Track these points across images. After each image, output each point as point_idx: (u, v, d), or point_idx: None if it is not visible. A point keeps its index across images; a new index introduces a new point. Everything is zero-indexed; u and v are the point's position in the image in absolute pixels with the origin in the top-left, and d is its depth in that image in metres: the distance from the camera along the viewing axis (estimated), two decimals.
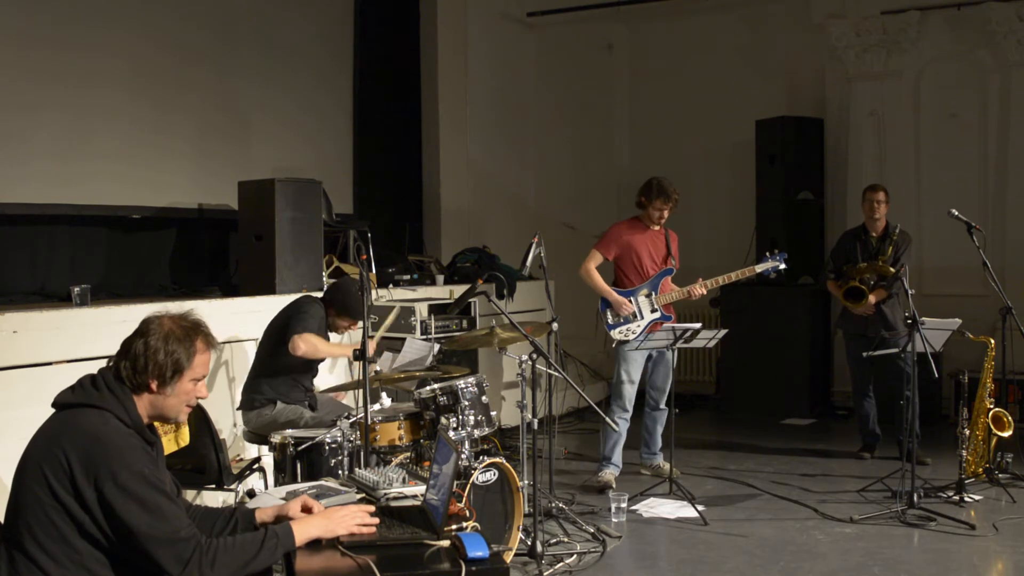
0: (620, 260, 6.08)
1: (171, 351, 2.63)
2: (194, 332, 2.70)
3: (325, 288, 5.18)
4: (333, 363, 6.33)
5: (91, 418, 2.54)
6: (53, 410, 2.64)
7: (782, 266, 6.14)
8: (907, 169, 8.56)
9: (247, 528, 2.84)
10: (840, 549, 4.82)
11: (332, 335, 5.31)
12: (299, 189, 6.36)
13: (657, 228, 6.12)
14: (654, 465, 6.29)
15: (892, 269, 6.44)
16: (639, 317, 6.00)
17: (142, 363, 2.61)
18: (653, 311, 6.02)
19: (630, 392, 6.03)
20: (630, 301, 5.99)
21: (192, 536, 2.50)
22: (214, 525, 2.83)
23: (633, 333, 5.97)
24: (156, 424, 2.78)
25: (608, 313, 6.01)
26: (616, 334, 5.99)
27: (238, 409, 5.16)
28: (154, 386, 2.63)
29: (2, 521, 2.62)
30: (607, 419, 5.26)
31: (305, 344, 4.82)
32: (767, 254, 6.19)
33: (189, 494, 4.54)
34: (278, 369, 4.98)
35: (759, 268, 6.13)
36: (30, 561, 2.46)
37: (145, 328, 2.67)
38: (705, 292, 6.02)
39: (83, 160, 6.16)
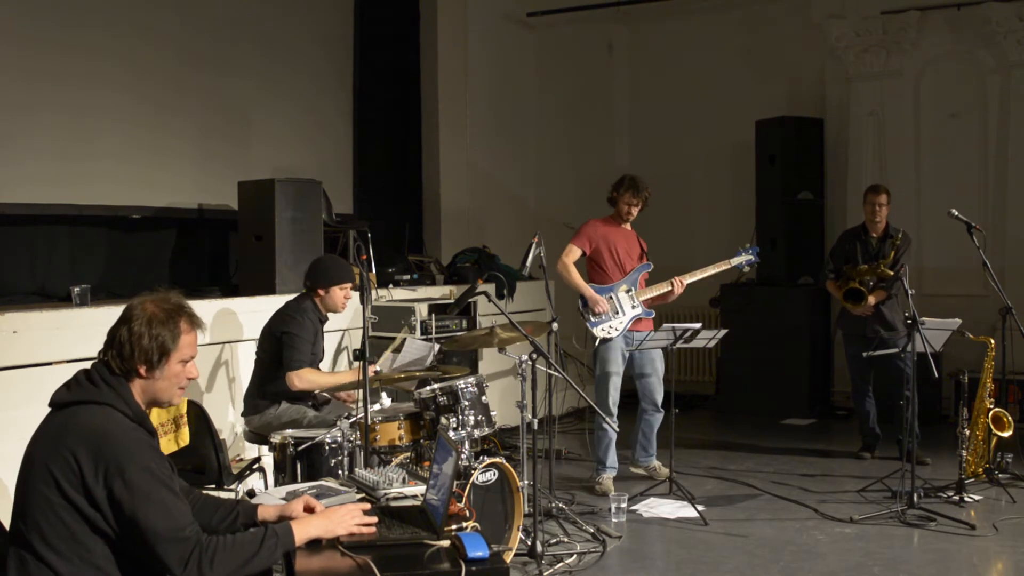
0: (596, 255, 6.02)
1: (155, 335, 2.62)
2: (177, 313, 2.68)
3: (304, 281, 5.14)
4: (334, 363, 6.34)
5: (94, 415, 2.53)
6: (49, 409, 2.63)
7: (755, 259, 6.18)
8: (907, 169, 8.56)
9: (248, 523, 2.84)
10: (840, 549, 4.82)
11: (335, 315, 5.29)
12: (299, 189, 6.36)
13: (628, 228, 6.11)
14: (650, 467, 6.27)
15: (891, 272, 6.44)
16: (621, 313, 5.95)
17: (128, 349, 2.60)
18: (634, 307, 5.98)
19: (614, 392, 5.97)
20: (609, 298, 5.94)
21: (194, 534, 2.50)
22: (214, 515, 2.83)
23: (615, 330, 5.92)
24: (155, 423, 2.78)
25: (588, 310, 5.96)
26: (599, 331, 5.92)
27: (242, 415, 5.14)
28: (143, 371, 2.62)
29: (7, 522, 2.61)
30: (607, 421, 5.25)
31: (301, 382, 4.84)
32: (740, 248, 6.19)
33: None
34: (279, 374, 4.96)
35: (734, 261, 6.14)
36: (40, 561, 2.46)
37: (128, 314, 2.65)
38: (683, 288, 6.00)
39: (83, 160, 6.17)
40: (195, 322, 2.73)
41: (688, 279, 6.03)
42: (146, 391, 2.66)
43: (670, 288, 5.98)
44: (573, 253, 6.02)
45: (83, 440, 2.48)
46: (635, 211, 6.04)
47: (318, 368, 5.12)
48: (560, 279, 6.06)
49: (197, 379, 2.82)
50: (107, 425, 2.52)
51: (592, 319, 5.93)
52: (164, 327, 2.64)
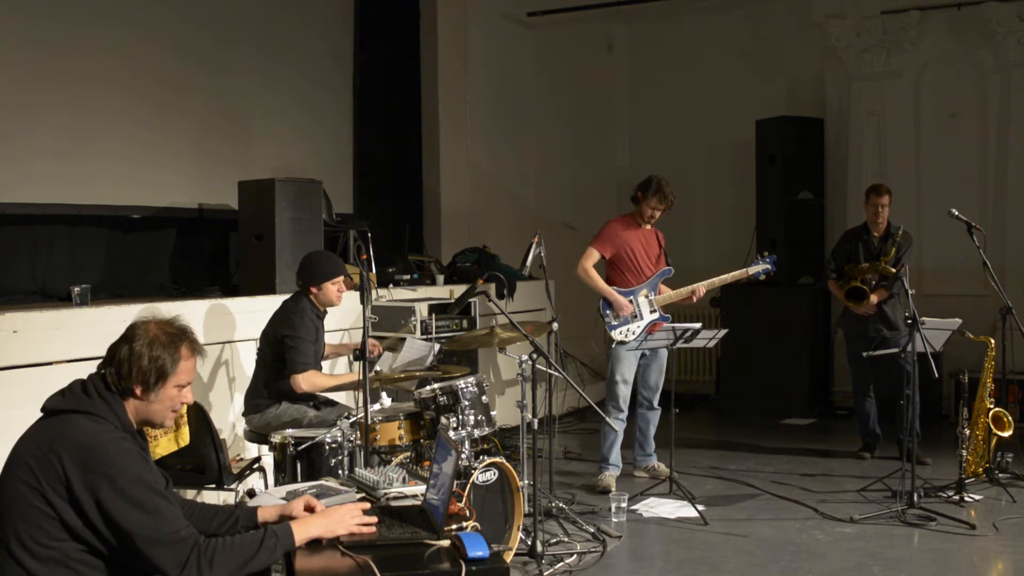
0: (616, 259, 6.04)
1: (155, 357, 2.61)
2: (179, 338, 2.67)
3: (296, 280, 5.15)
4: (334, 362, 6.33)
5: (84, 425, 2.53)
6: (40, 414, 2.62)
7: (773, 268, 6.22)
8: (907, 169, 8.56)
9: (248, 526, 2.84)
10: (840, 549, 4.82)
11: (335, 312, 5.29)
12: (299, 189, 6.36)
13: (648, 227, 6.13)
14: (649, 467, 6.28)
15: (893, 270, 6.44)
16: (639, 317, 5.98)
17: (126, 369, 2.60)
18: (652, 311, 6.02)
19: (625, 392, 6.01)
20: (630, 301, 5.98)
21: (190, 536, 2.50)
22: (212, 521, 2.83)
23: (633, 333, 5.96)
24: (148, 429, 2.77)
25: (609, 313, 5.99)
26: (617, 334, 5.96)
27: (243, 415, 5.14)
28: (138, 392, 2.62)
29: None
30: (607, 420, 5.25)
31: (306, 384, 4.84)
32: (758, 256, 6.26)
33: (188, 494, 4.54)
34: (281, 374, 4.96)
35: (752, 270, 6.18)
36: (16, 564, 2.45)
37: (131, 334, 2.65)
38: (702, 295, 6.06)
39: (83, 160, 6.16)
40: (196, 349, 2.72)
41: (706, 286, 6.06)
42: (139, 411, 2.65)
43: (689, 295, 6.02)
44: (593, 256, 6.03)
45: (72, 449, 2.47)
46: (658, 215, 6.06)
47: (320, 367, 5.13)
48: (577, 282, 6.06)
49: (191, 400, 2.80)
50: (97, 435, 2.51)
51: (613, 322, 5.96)
52: (165, 350, 2.63)
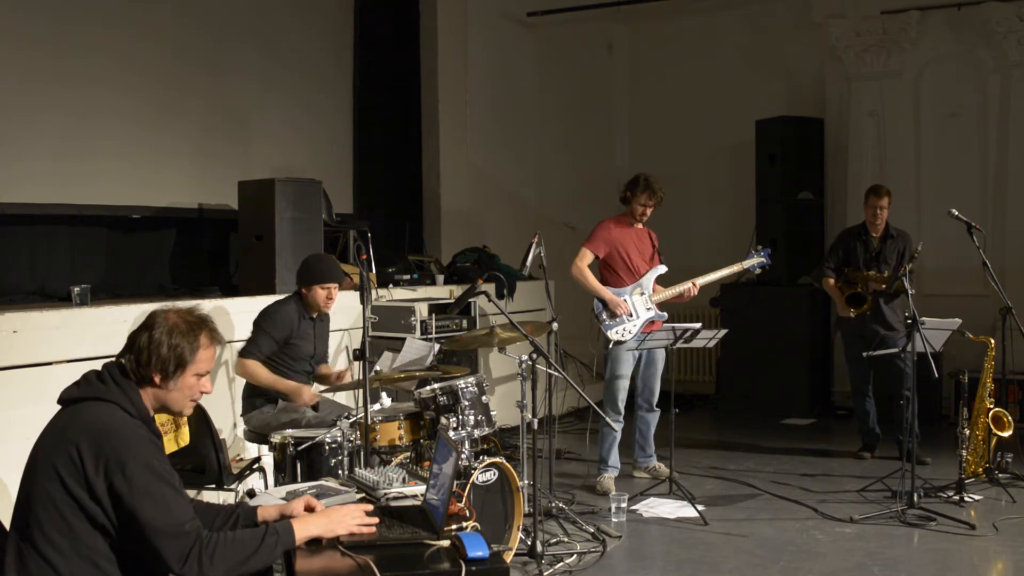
0: (609, 258, 6.02)
1: (174, 345, 2.63)
2: (199, 327, 2.70)
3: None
4: (333, 363, 6.34)
5: (98, 411, 2.55)
6: (58, 407, 2.64)
7: (767, 262, 6.21)
8: (907, 169, 8.56)
9: (249, 525, 2.84)
10: (840, 549, 4.82)
11: (334, 310, 5.30)
12: (299, 189, 6.36)
13: (640, 226, 6.12)
14: (650, 467, 6.27)
15: (906, 285, 6.39)
16: (635, 316, 5.97)
17: (146, 356, 2.62)
18: (648, 309, 6.00)
19: (623, 393, 5.98)
20: (625, 300, 5.97)
21: (194, 530, 2.51)
22: (214, 520, 2.84)
23: (629, 333, 5.94)
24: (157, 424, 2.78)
25: (604, 313, 5.98)
26: (613, 334, 5.95)
27: (241, 415, 5.15)
28: (157, 379, 2.64)
29: (10, 517, 2.62)
30: (607, 420, 5.25)
31: (243, 369, 4.90)
32: (751, 250, 6.24)
33: (189, 494, 4.54)
34: (275, 372, 4.96)
35: (746, 263, 6.17)
36: (39, 556, 2.47)
37: (151, 321, 2.68)
38: (697, 290, 6.05)
39: (83, 160, 6.17)
40: (215, 338, 2.75)
41: (701, 281, 6.05)
42: (157, 399, 2.68)
43: (684, 290, 6.01)
44: (587, 257, 6.01)
45: (86, 434, 2.49)
46: (649, 211, 6.04)
47: (321, 363, 5.15)
48: (575, 283, 6.05)
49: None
50: (110, 421, 2.53)
51: (608, 322, 5.94)
52: (184, 338, 2.65)
